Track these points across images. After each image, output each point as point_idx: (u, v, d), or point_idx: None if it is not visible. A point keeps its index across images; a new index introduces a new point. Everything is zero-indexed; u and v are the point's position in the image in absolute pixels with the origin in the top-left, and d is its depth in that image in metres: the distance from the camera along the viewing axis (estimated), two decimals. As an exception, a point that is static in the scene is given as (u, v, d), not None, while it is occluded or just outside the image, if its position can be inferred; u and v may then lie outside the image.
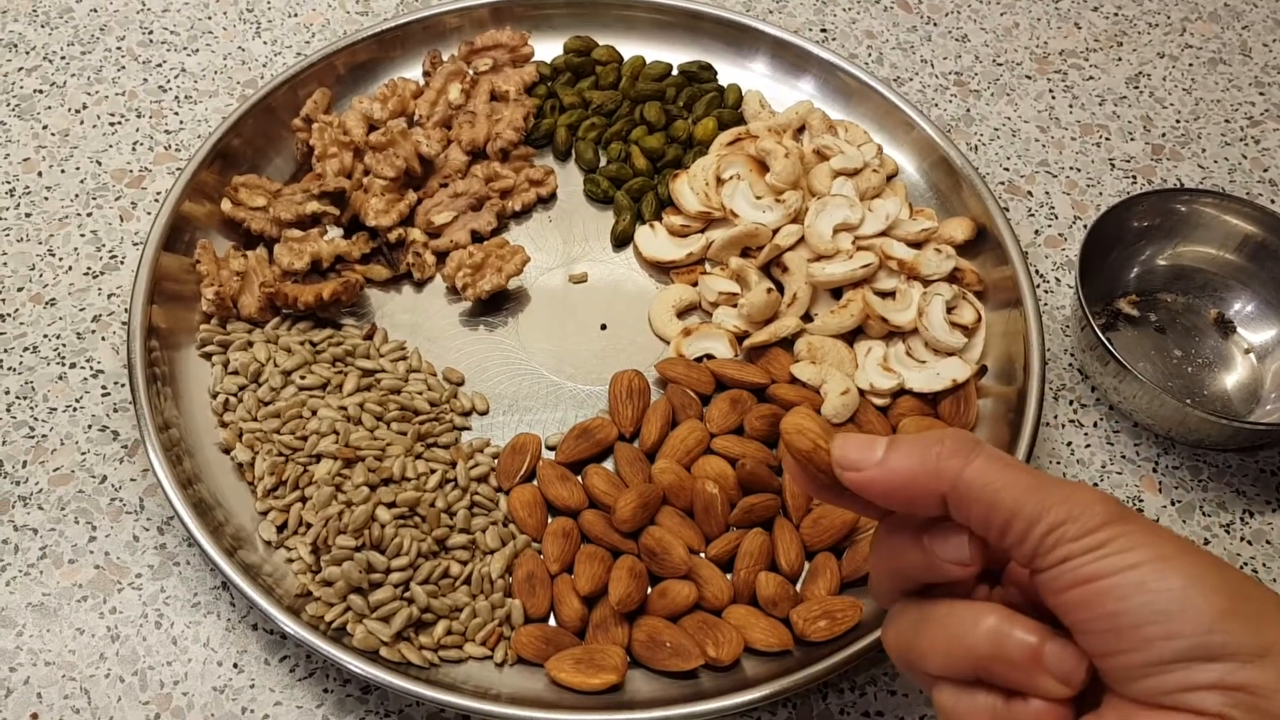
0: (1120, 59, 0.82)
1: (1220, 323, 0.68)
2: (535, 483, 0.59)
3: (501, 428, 0.62)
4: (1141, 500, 0.63)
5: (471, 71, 0.74)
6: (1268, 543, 0.62)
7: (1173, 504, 0.63)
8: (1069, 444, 0.64)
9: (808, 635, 0.54)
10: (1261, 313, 0.67)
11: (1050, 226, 0.73)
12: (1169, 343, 0.67)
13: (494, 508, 0.58)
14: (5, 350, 0.64)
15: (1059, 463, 0.64)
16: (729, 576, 0.56)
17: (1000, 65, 0.81)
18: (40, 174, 0.70)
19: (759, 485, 0.58)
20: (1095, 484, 0.63)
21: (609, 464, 0.61)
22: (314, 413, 0.58)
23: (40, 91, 0.74)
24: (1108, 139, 0.77)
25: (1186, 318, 0.68)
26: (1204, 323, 0.68)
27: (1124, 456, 0.64)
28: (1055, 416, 0.65)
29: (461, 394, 0.63)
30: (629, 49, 0.76)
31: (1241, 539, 0.62)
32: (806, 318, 0.65)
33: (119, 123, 0.73)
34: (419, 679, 0.52)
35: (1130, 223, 0.67)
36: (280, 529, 0.56)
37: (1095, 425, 0.65)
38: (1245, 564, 0.61)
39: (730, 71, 0.76)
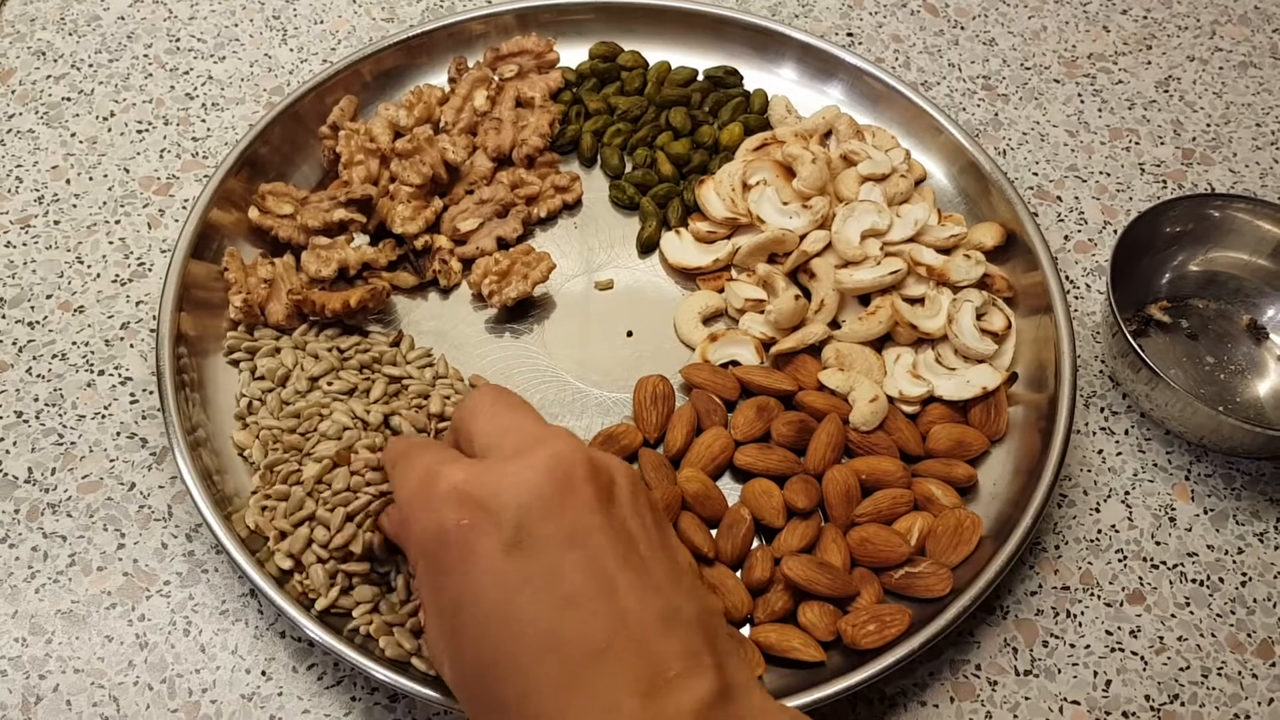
0: (1149, 62, 0.81)
1: (1253, 329, 0.67)
2: (562, 490, 0.59)
3: (528, 435, 0.62)
4: (1174, 509, 0.62)
5: (497, 78, 0.74)
6: (1303, 552, 0.61)
7: (1206, 512, 0.62)
8: (1100, 451, 0.64)
9: (858, 642, 0.53)
10: None
11: (1080, 232, 0.72)
12: (1201, 349, 0.67)
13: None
14: (34, 357, 0.64)
15: (1090, 471, 0.63)
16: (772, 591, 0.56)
17: (1028, 69, 0.80)
18: (68, 181, 0.71)
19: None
20: (1126, 492, 0.62)
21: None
22: (325, 416, 0.58)
23: (68, 99, 0.75)
24: (1137, 143, 0.77)
25: (1219, 324, 0.68)
26: (1236, 329, 0.68)
27: (1156, 464, 0.63)
28: (1086, 424, 0.65)
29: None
30: (654, 54, 0.76)
31: (1276, 548, 0.61)
32: (834, 324, 0.65)
33: (146, 130, 0.73)
34: (448, 689, 0.52)
35: (1162, 228, 0.66)
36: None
37: (1126, 433, 0.64)
38: (1280, 574, 0.60)
39: (756, 76, 0.76)
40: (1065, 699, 0.56)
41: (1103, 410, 0.65)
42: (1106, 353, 0.66)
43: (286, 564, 0.54)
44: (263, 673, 0.55)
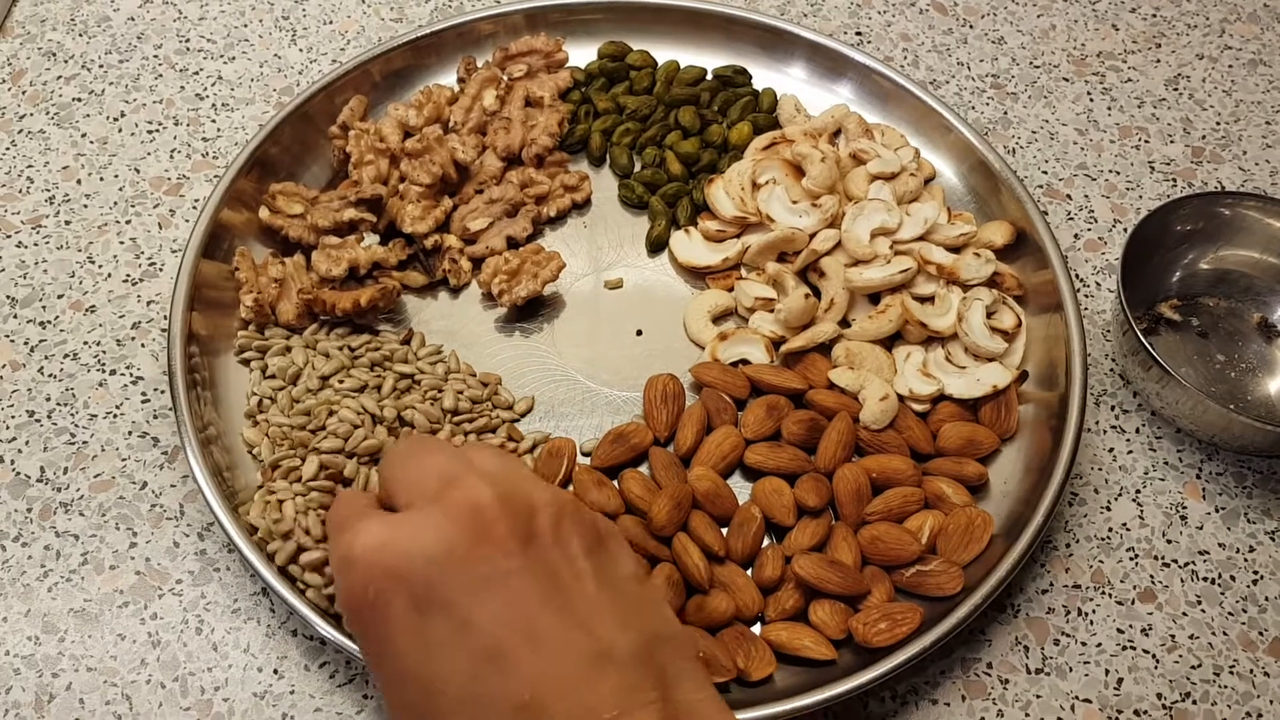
0: (1159, 60, 0.81)
1: (1264, 327, 0.67)
2: (571, 488, 0.59)
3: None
4: (1185, 507, 0.62)
5: (506, 78, 0.74)
6: (1315, 550, 0.61)
7: (1217, 511, 0.62)
8: (1111, 450, 0.64)
9: (869, 640, 0.53)
10: None
11: (1090, 230, 0.72)
12: (1211, 348, 0.67)
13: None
14: (46, 357, 0.64)
15: (1101, 469, 0.63)
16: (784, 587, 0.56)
17: (1037, 67, 0.80)
18: (79, 181, 0.71)
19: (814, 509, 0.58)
20: (1138, 491, 0.62)
21: (644, 469, 0.60)
22: (334, 413, 0.58)
23: (79, 100, 0.75)
24: (1147, 141, 0.77)
25: (1229, 322, 0.68)
26: (1247, 327, 0.67)
27: (1166, 463, 0.63)
28: (1097, 422, 0.65)
29: (503, 389, 0.63)
30: (663, 54, 0.76)
31: (1288, 546, 0.61)
32: (844, 323, 0.65)
33: (157, 130, 0.74)
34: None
35: (1172, 226, 0.66)
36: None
37: (1137, 431, 0.64)
38: (1292, 572, 0.60)
39: (765, 75, 0.76)
40: (1077, 697, 0.56)
41: (1113, 409, 0.65)
42: (1117, 351, 0.66)
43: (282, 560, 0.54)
44: (275, 671, 0.55)
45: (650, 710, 0.37)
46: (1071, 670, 0.57)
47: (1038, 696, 0.56)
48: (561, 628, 0.38)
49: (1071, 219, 0.73)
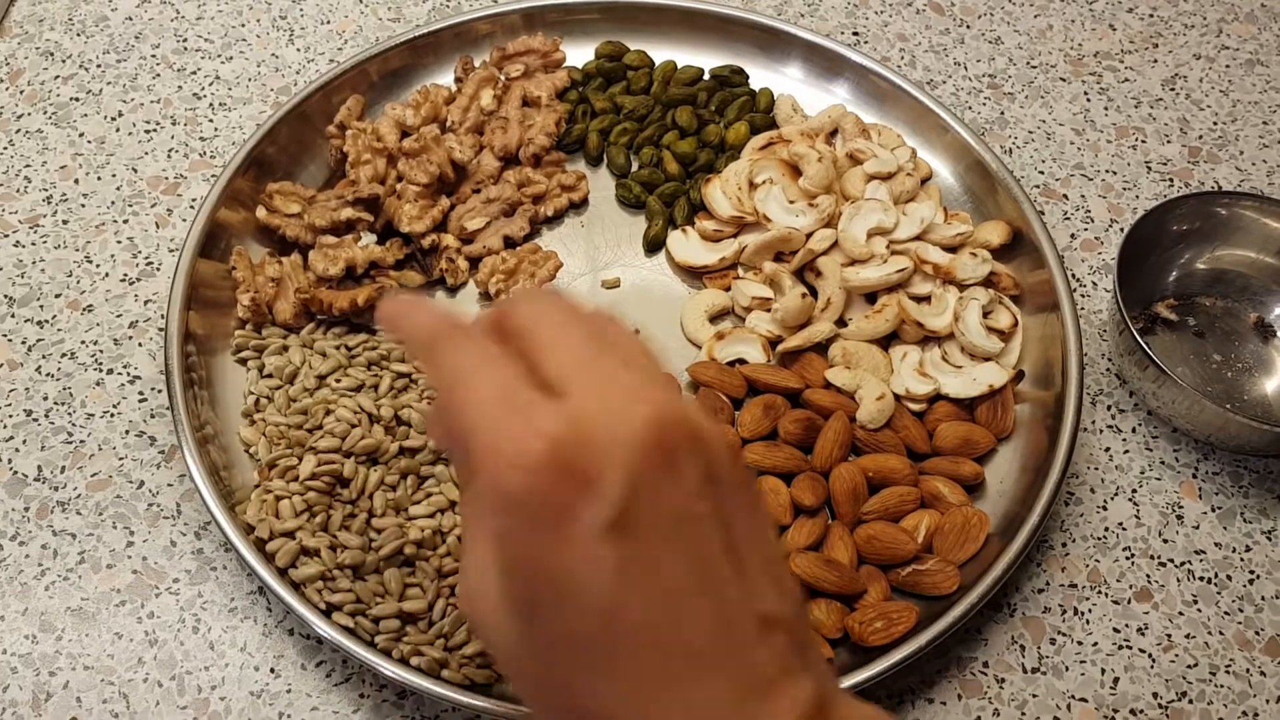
0: (1156, 60, 0.81)
1: (1260, 327, 0.67)
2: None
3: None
4: (1182, 506, 0.62)
5: (503, 77, 0.74)
6: (1311, 550, 0.61)
7: (1213, 510, 0.62)
8: (1107, 449, 0.64)
9: (865, 639, 0.53)
10: None
11: (1086, 230, 0.72)
12: (1208, 347, 0.67)
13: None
14: (44, 356, 0.64)
15: (1097, 468, 0.63)
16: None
17: (1034, 68, 0.80)
18: (77, 181, 0.71)
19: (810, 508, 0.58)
20: (1134, 490, 0.62)
21: (643, 469, 0.60)
22: (331, 412, 0.59)
23: (76, 99, 0.75)
24: (1144, 141, 0.77)
25: (1226, 322, 0.68)
26: (1244, 327, 0.67)
27: (1163, 462, 0.63)
28: (1093, 422, 0.65)
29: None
30: (660, 54, 0.76)
31: (1284, 546, 0.61)
32: (841, 322, 0.65)
33: (154, 130, 0.74)
34: (454, 684, 0.52)
35: (1169, 226, 0.66)
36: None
37: (1134, 431, 0.64)
38: (1288, 571, 0.60)
39: (762, 75, 0.76)
40: (1073, 696, 0.56)
41: (1110, 408, 0.65)
42: (1113, 350, 0.66)
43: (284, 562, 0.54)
44: (271, 670, 0.55)
45: (806, 684, 0.36)
46: (1068, 669, 0.57)
47: (1034, 696, 0.56)
48: (738, 583, 0.36)
49: (1068, 219, 0.73)
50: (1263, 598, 0.59)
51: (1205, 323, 0.68)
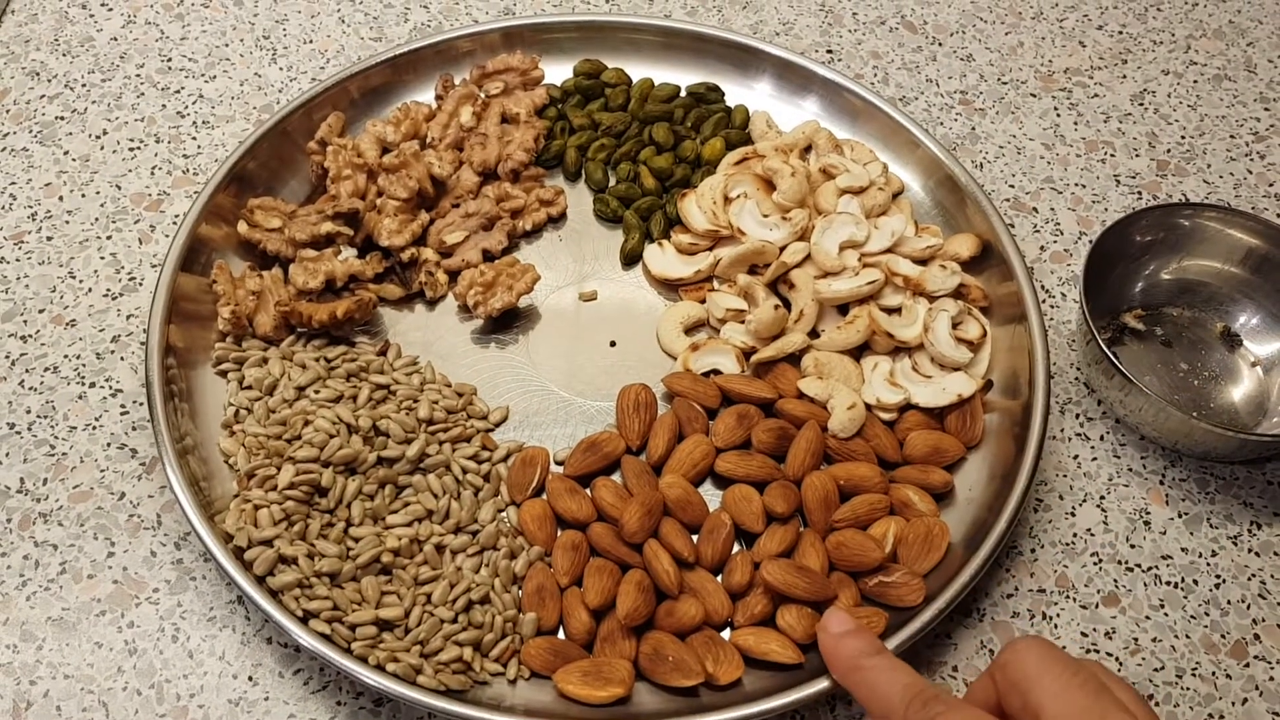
0: (1125, 76, 0.83)
1: (1226, 336, 0.68)
2: (544, 496, 0.60)
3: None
4: (1149, 513, 0.63)
5: (483, 95, 0.75)
6: (1275, 554, 0.62)
7: (1180, 516, 0.63)
8: (1075, 457, 0.65)
9: None
10: (1268, 325, 0.68)
11: (1056, 242, 0.74)
12: (1175, 356, 0.68)
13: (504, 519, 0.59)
14: (27, 370, 0.65)
15: (1066, 476, 0.64)
16: (757, 590, 0.57)
17: (1005, 84, 0.82)
18: (61, 198, 0.72)
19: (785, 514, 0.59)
20: (1102, 497, 0.63)
21: (616, 477, 0.61)
22: (309, 422, 0.59)
23: (61, 118, 0.76)
24: (1113, 155, 0.78)
25: (1193, 331, 0.69)
26: (1210, 336, 0.69)
27: (1131, 469, 0.64)
28: (1062, 430, 0.66)
29: (478, 399, 0.64)
30: (638, 71, 0.77)
31: (1250, 550, 0.62)
32: (813, 334, 0.66)
33: (138, 148, 0.75)
34: (430, 690, 0.53)
35: (1134, 237, 0.68)
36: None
37: (1102, 439, 0.66)
38: (1254, 576, 0.61)
39: (738, 93, 0.77)
40: (1041, 699, 0.57)
41: (1078, 416, 0.66)
42: (1081, 360, 0.67)
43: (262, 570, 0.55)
44: (250, 678, 0.56)
45: None
46: (1036, 673, 0.57)
47: (1002, 699, 0.57)
48: None
49: (1038, 231, 0.74)
50: (1228, 602, 0.60)
51: (1172, 332, 0.69)
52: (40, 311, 0.67)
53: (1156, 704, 0.57)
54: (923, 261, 0.67)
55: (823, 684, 0.53)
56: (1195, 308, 0.69)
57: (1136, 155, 0.78)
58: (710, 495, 0.61)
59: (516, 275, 0.67)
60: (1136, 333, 0.69)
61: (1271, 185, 0.77)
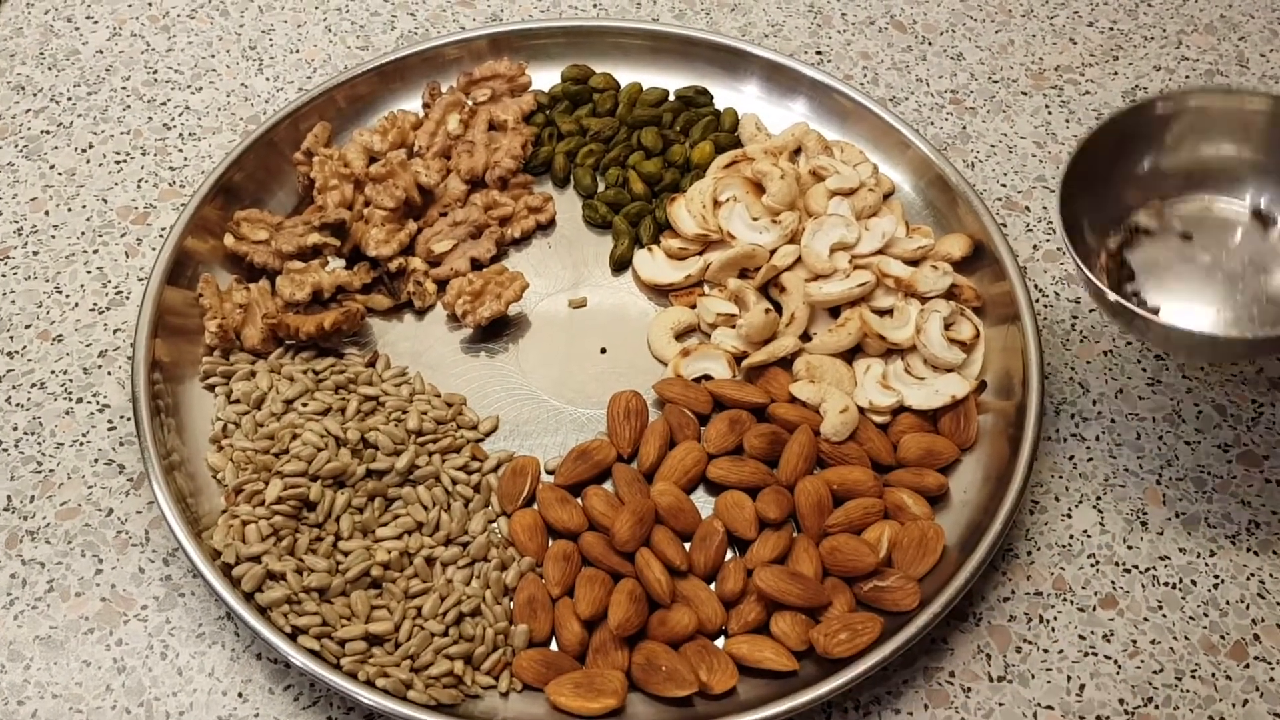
0: (1116, 73, 0.82)
1: (1259, 217, 0.63)
2: (535, 506, 0.60)
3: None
4: (1146, 513, 0.62)
5: (470, 102, 0.75)
6: (1274, 553, 0.61)
7: (1177, 516, 0.62)
8: (1071, 458, 0.64)
9: (830, 651, 0.53)
10: None
11: (1049, 241, 0.73)
12: (1195, 250, 0.63)
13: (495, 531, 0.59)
14: (14, 387, 0.64)
15: (1061, 476, 0.63)
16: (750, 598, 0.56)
17: (996, 82, 0.81)
18: (47, 213, 0.72)
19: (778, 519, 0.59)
20: (1098, 497, 0.63)
21: (608, 485, 0.61)
22: (297, 436, 0.59)
23: (47, 132, 0.76)
24: (1105, 153, 0.77)
25: (1213, 219, 0.64)
26: (1235, 220, 0.63)
27: (1127, 469, 0.64)
28: (1057, 430, 0.65)
29: (467, 409, 0.63)
30: (625, 76, 0.77)
31: (1248, 550, 0.61)
32: (805, 337, 0.65)
33: (124, 161, 0.74)
34: (420, 705, 0.52)
35: (1136, 134, 0.62)
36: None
37: (1097, 439, 0.65)
38: (1253, 575, 0.60)
39: (727, 96, 0.76)
40: (1039, 704, 0.56)
41: (1073, 417, 0.66)
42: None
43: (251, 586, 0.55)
44: (239, 694, 0.55)
45: None
46: (1034, 677, 0.57)
47: (1000, 704, 0.56)
48: None
49: (1030, 230, 0.73)
50: (1227, 602, 0.60)
51: (1193, 223, 0.64)
52: (27, 327, 0.67)
53: (1156, 707, 0.56)
54: (914, 262, 0.67)
55: (818, 691, 0.52)
56: (1218, 192, 0.63)
57: (1129, 152, 0.78)
58: (703, 502, 0.60)
59: (505, 283, 0.66)
60: (1149, 232, 0.64)
61: (1266, 180, 0.76)
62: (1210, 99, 0.63)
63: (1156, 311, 0.61)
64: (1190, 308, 0.61)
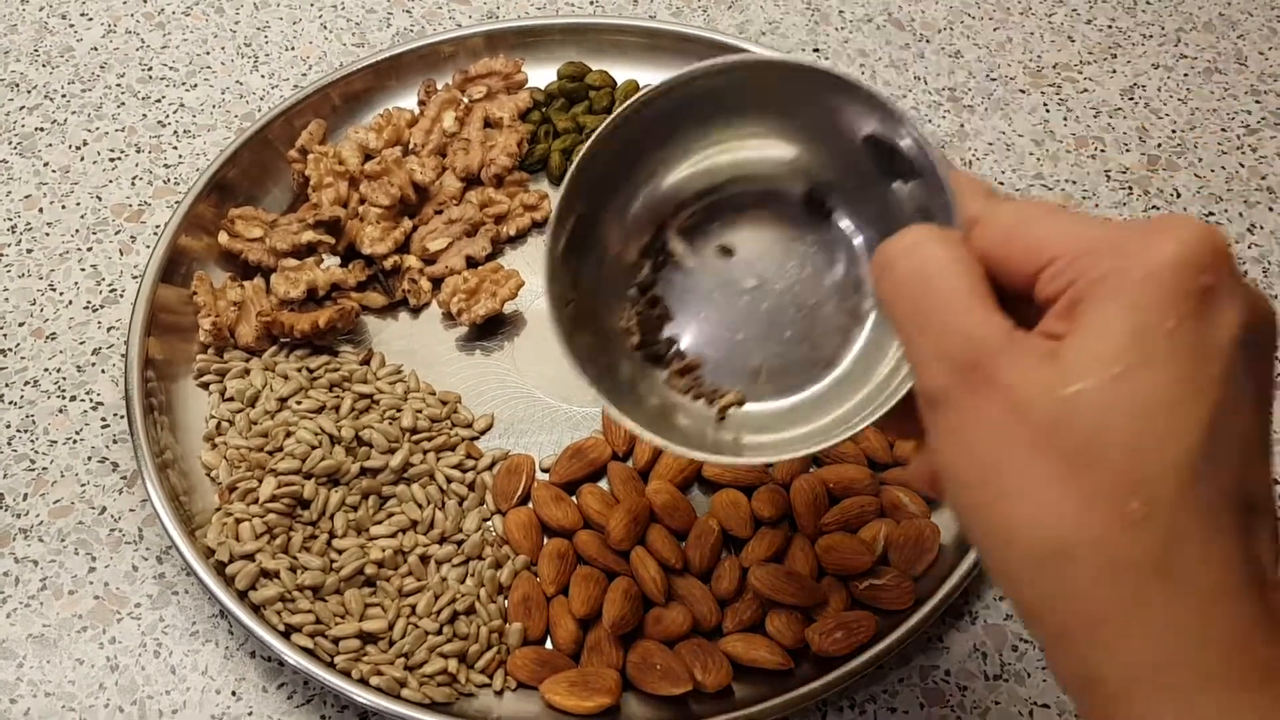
0: (1114, 71, 0.82)
1: (811, 203, 0.46)
2: (530, 504, 0.59)
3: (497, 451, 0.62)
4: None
5: (466, 99, 0.75)
6: None
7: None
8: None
9: (825, 649, 0.53)
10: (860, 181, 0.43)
11: (1046, 239, 0.73)
12: (739, 268, 0.46)
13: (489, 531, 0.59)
14: (6, 385, 0.64)
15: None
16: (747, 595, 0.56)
17: (994, 80, 0.81)
18: (41, 210, 0.71)
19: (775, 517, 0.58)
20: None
21: (603, 484, 0.61)
22: (291, 434, 0.59)
23: (41, 129, 0.75)
24: (1103, 151, 0.77)
25: (756, 223, 0.46)
26: (788, 216, 0.46)
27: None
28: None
29: (462, 407, 0.63)
30: (622, 73, 0.77)
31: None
32: (801, 335, 0.65)
33: (119, 158, 0.74)
34: (414, 703, 0.52)
35: (628, 154, 0.46)
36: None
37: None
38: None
39: (723, 93, 0.76)
40: (1035, 703, 0.56)
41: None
42: None
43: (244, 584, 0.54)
44: (233, 693, 0.55)
45: None
46: (1030, 676, 0.57)
47: (996, 703, 0.56)
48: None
49: (1028, 228, 0.73)
50: (1225, 601, 0.59)
51: (733, 232, 0.47)
52: (20, 325, 0.67)
53: (1153, 706, 0.56)
54: (911, 261, 0.66)
55: (810, 687, 0.52)
56: (751, 185, 0.46)
57: (1127, 150, 0.77)
58: (698, 500, 0.60)
59: (500, 281, 0.66)
60: (678, 257, 0.47)
61: (1264, 179, 0.76)
62: (710, 80, 0.43)
63: (696, 366, 0.47)
64: (731, 355, 0.47)
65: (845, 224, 0.45)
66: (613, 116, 0.43)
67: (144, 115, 0.76)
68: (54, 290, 0.68)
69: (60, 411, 0.63)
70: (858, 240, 0.45)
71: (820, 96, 0.41)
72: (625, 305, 0.47)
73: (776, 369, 0.46)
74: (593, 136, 0.43)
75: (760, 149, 0.45)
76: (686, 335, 0.47)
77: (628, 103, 0.43)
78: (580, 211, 0.45)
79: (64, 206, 0.72)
